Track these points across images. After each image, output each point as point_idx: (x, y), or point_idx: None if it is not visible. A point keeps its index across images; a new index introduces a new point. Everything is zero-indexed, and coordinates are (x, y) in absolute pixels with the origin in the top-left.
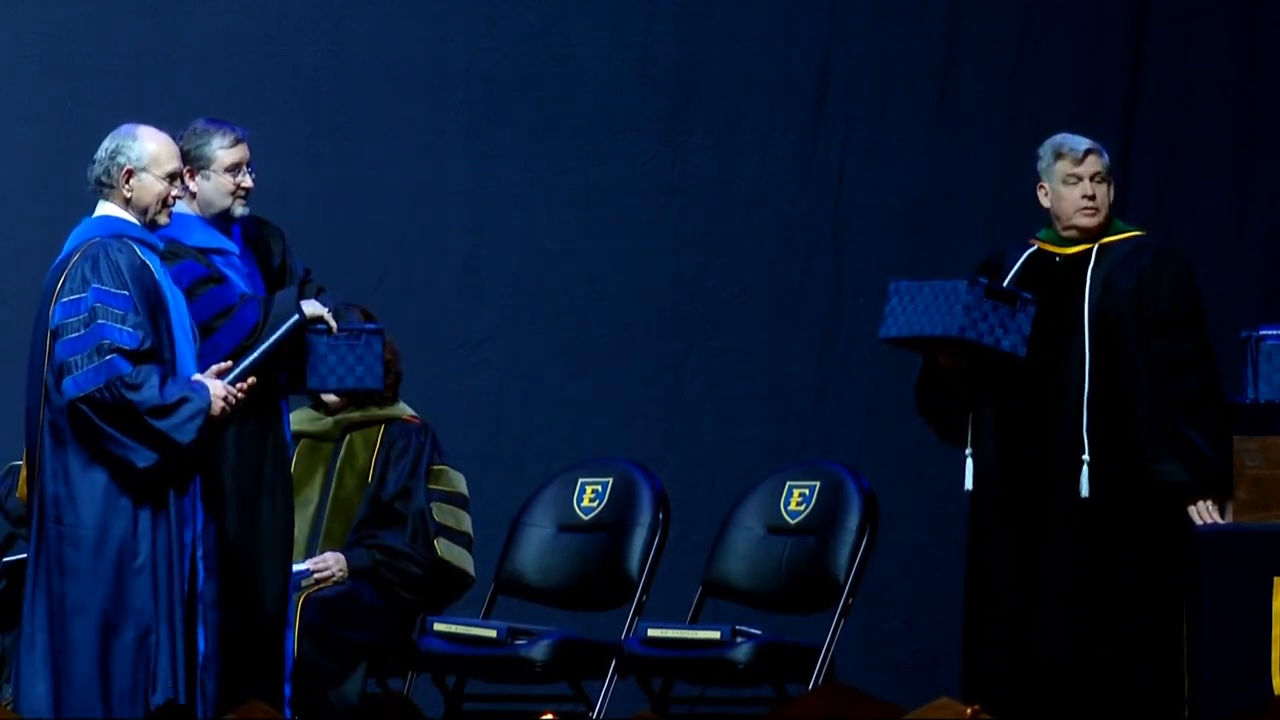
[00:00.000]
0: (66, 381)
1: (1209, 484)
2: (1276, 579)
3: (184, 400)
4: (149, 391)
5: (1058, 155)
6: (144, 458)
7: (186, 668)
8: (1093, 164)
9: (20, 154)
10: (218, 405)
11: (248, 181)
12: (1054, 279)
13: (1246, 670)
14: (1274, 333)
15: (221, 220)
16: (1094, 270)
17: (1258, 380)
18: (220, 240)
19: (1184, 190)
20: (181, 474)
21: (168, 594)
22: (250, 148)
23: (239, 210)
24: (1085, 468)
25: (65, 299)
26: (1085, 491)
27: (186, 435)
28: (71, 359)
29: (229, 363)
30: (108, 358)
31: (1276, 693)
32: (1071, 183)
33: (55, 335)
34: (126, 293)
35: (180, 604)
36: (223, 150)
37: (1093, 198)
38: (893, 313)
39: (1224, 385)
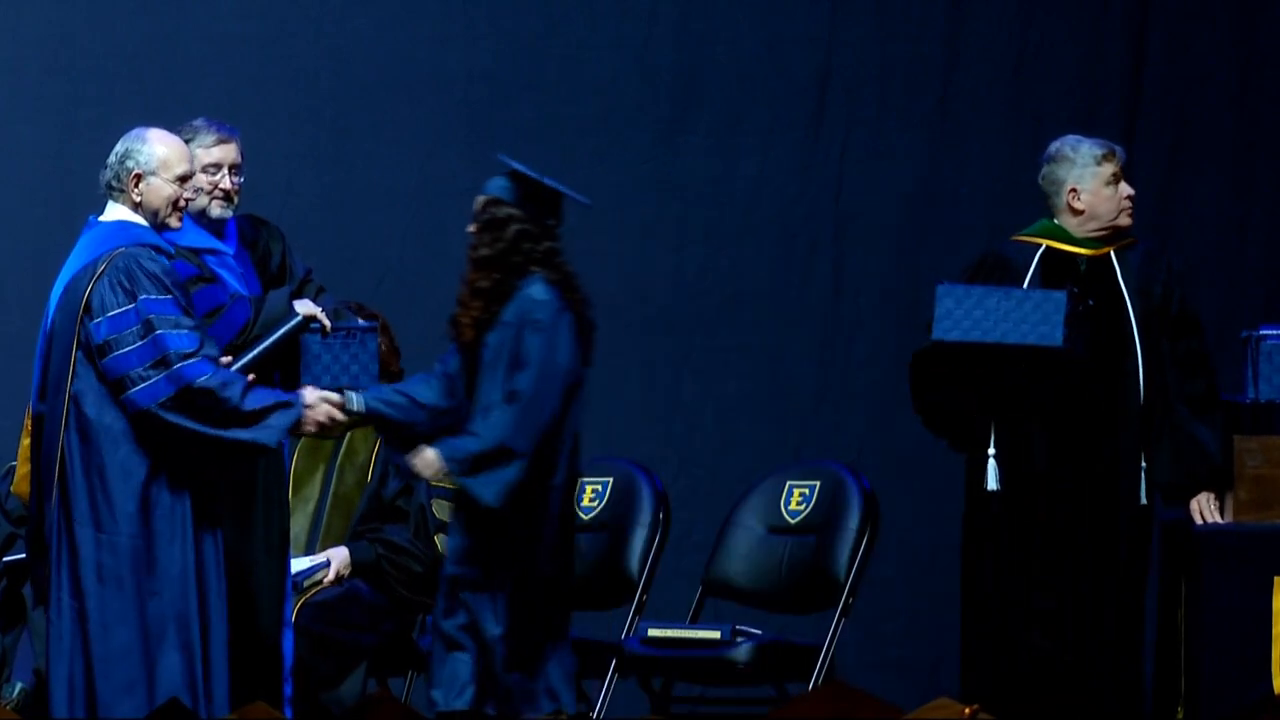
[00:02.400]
0: (133, 394)
1: (1211, 481)
2: (1276, 579)
3: (275, 407)
4: (234, 394)
5: (1102, 159)
6: (223, 455)
7: (204, 669)
8: (1122, 168)
9: (21, 156)
10: (311, 424)
11: (226, 183)
12: (1080, 280)
13: (1246, 670)
14: (1274, 333)
15: (208, 220)
16: (1124, 275)
17: (1258, 380)
18: (211, 240)
19: (1184, 190)
20: (208, 480)
21: (213, 598)
22: (240, 151)
23: (216, 211)
24: (1143, 475)
25: (112, 313)
26: (1145, 499)
27: (272, 438)
28: (133, 371)
29: (228, 358)
30: (175, 367)
31: (1277, 693)
32: (1113, 183)
33: (105, 350)
34: (170, 297)
35: (216, 608)
36: (201, 149)
37: (1133, 197)
38: (949, 314)
39: (1223, 386)
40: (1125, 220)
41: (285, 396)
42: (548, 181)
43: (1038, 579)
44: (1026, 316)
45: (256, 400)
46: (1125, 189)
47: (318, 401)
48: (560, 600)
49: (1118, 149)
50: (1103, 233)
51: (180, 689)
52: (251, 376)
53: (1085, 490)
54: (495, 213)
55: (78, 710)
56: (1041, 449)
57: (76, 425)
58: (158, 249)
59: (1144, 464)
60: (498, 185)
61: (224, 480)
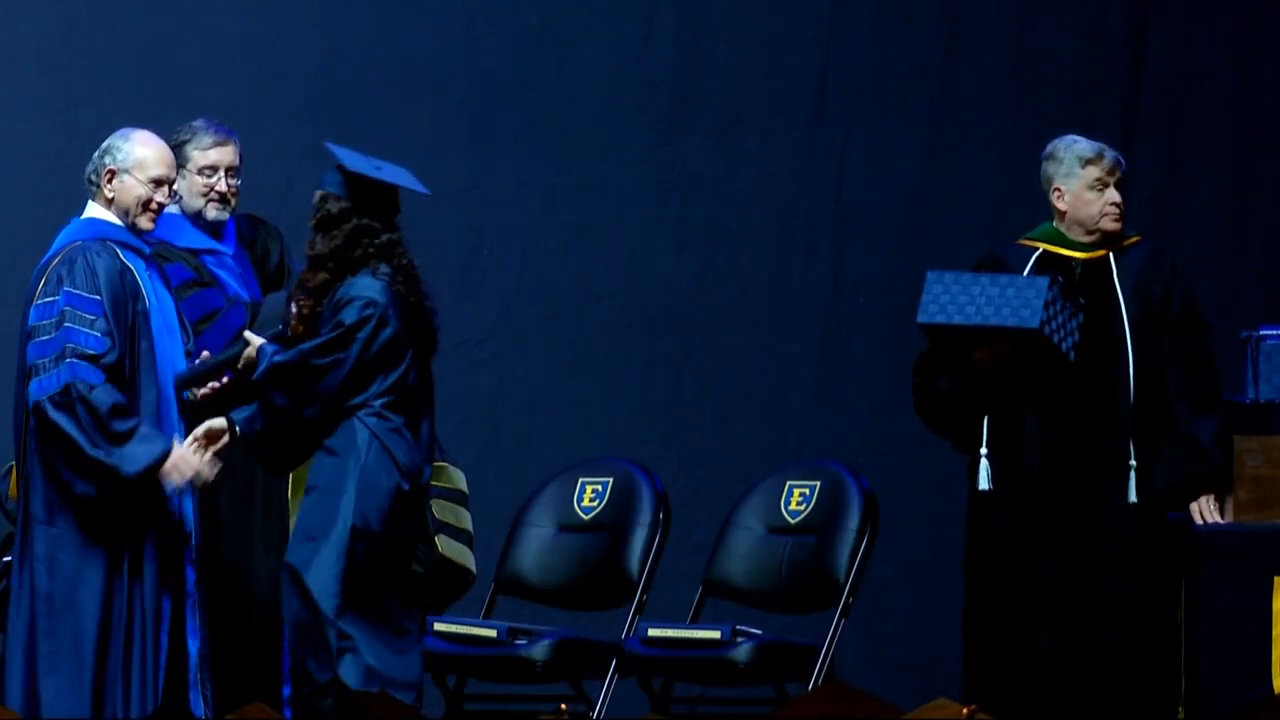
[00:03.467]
0: (32, 384)
1: (1211, 482)
2: (1276, 579)
3: (135, 436)
4: (102, 410)
5: (1087, 161)
6: (81, 486)
7: (181, 669)
8: (1117, 171)
9: (20, 155)
10: (175, 477)
11: (222, 186)
12: (1077, 285)
13: (1246, 670)
14: (1274, 333)
15: (205, 222)
16: (1120, 277)
17: (1258, 380)
18: (209, 241)
19: (1184, 190)
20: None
21: (169, 597)
22: (238, 153)
23: (212, 214)
24: (1133, 474)
25: (40, 301)
26: (1133, 497)
27: (129, 468)
28: (39, 361)
29: (206, 354)
30: (68, 360)
31: (1277, 693)
32: (1098, 189)
33: (29, 337)
34: (98, 297)
35: (175, 606)
36: (198, 151)
37: (1119, 204)
38: (935, 300)
39: (1223, 385)
40: (1109, 225)
41: (149, 431)
42: (380, 175)
43: (1033, 580)
44: (1008, 301)
45: (125, 424)
46: (1111, 195)
47: (180, 460)
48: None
49: (1108, 154)
50: (1090, 237)
51: (118, 688)
52: (136, 421)
53: (1076, 490)
54: (330, 209)
55: (27, 707)
56: (1033, 449)
57: (36, 421)
58: (127, 245)
59: (1133, 463)
60: (331, 180)
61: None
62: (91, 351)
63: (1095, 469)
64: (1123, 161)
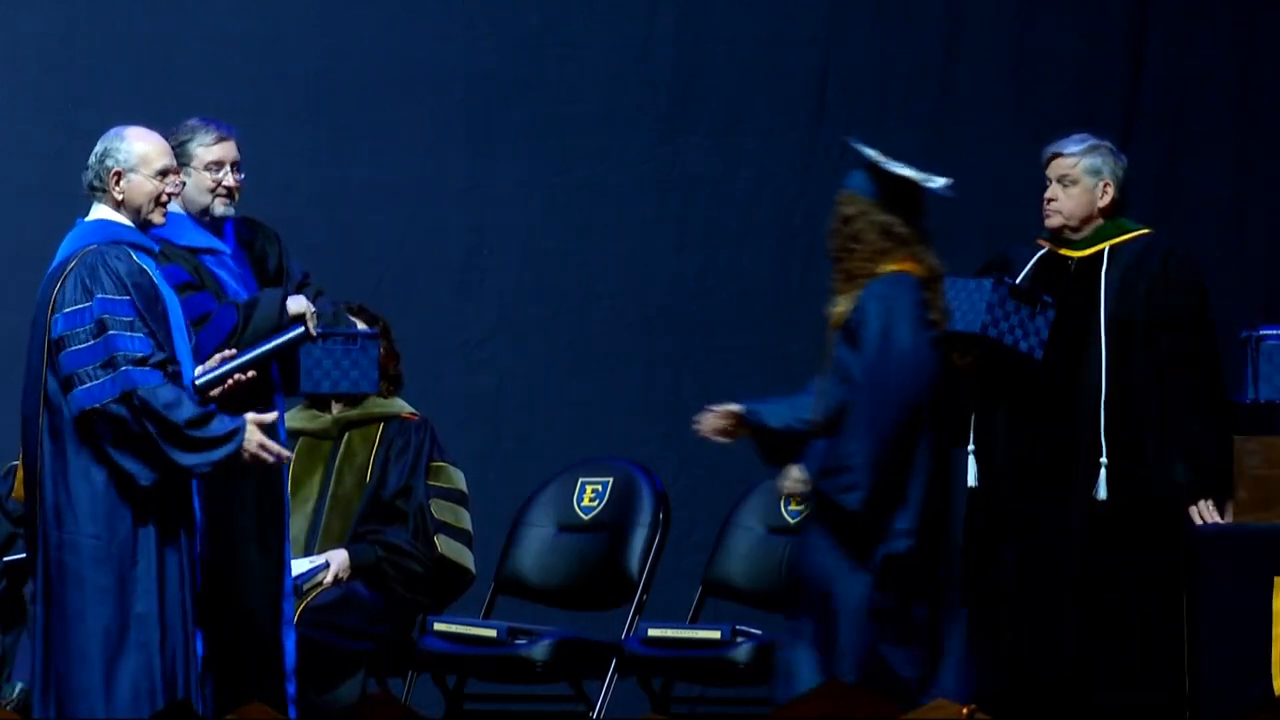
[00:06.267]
0: (77, 392)
1: (1209, 483)
2: (1276, 579)
3: (226, 438)
4: (183, 413)
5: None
6: (146, 476)
7: (189, 671)
8: (1056, 167)
9: (20, 155)
10: (250, 450)
11: (230, 180)
12: (1069, 282)
13: (1246, 670)
14: (1274, 333)
15: (211, 219)
16: (1107, 273)
17: (1258, 380)
18: (211, 240)
19: (1184, 190)
20: (183, 483)
21: (176, 599)
22: (239, 148)
23: (219, 209)
24: (1103, 471)
25: (68, 309)
26: (1103, 494)
27: (204, 468)
28: (81, 370)
29: (231, 350)
30: (122, 369)
31: (1277, 693)
32: (1046, 185)
33: (59, 345)
34: (129, 299)
35: (182, 609)
36: (202, 148)
37: (1051, 200)
38: None
39: (1226, 385)
40: (1047, 221)
41: (231, 425)
42: None
43: (1012, 577)
44: (959, 305)
45: (203, 430)
46: (1048, 191)
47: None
48: None
49: (1049, 151)
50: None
51: (129, 694)
52: (212, 406)
53: (1048, 487)
54: None
55: (48, 711)
56: (1004, 446)
57: (49, 425)
58: (138, 246)
59: (1105, 460)
60: None
61: (204, 480)
62: (141, 354)
63: (1066, 465)
64: (1078, 156)
